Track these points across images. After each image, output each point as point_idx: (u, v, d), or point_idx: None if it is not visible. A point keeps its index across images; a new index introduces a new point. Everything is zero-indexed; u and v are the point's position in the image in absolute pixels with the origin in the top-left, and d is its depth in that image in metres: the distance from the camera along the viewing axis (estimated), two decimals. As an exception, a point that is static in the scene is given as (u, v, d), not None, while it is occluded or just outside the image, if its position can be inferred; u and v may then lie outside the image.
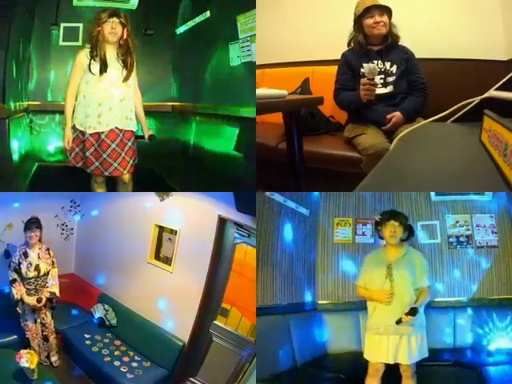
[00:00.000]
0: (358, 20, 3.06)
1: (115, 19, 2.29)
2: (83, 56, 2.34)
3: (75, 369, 2.69)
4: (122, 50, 2.38)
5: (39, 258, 2.57)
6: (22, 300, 2.51)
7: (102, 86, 2.35)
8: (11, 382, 2.10)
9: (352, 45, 3.20)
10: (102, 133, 2.39)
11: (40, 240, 2.63)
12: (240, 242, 2.55)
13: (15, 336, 2.58)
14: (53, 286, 2.60)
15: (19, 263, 2.52)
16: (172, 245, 2.83)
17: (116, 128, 2.41)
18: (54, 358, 2.65)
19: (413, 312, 1.96)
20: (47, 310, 2.62)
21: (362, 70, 3.01)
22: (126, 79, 2.40)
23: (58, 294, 2.62)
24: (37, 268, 2.55)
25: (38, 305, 2.52)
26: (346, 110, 3.29)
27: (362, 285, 2.14)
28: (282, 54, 4.19)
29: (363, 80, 2.84)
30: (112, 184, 2.67)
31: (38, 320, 2.57)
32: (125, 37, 2.36)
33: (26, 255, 2.54)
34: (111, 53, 2.36)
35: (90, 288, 3.15)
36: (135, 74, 2.49)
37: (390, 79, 3.04)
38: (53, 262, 2.66)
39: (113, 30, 2.29)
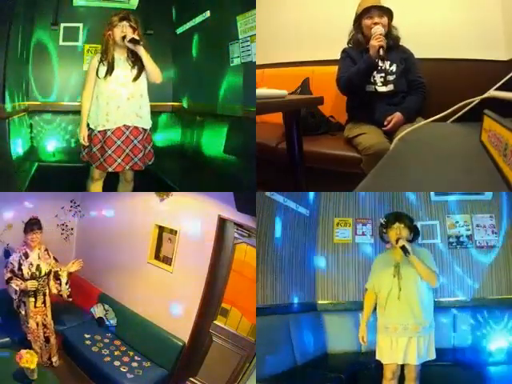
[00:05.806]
0: (358, 19, 3.06)
1: (125, 23, 2.40)
2: (95, 61, 2.45)
3: (75, 369, 2.69)
4: (133, 52, 2.46)
5: (39, 258, 2.58)
6: (23, 301, 2.50)
7: (109, 87, 2.44)
8: (11, 381, 2.09)
9: (352, 43, 3.19)
10: (109, 130, 2.47)
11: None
12: (240, 241, 2.55)
13: (15, 337, 2.58)
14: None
15: (20, 264, 2.52)
16: (172, 245, 2.83)
17: (123, 126, 2.48)
18: (54, 359, 2.65)
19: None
20: (47, 308, 2.62)
21: None
22: (135, 79, 2.47)
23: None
24: (38, 268, 2.55)
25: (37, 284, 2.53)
26: (352, 86, 3.09)
27: (371, 288, 2.15)
28: (282, 54, 4.19)
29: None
30: (111, 183, 2.68)
31: (40, 322, 2.57)
32: None
33: (26, 256, 2.54)
34: (121, 55, 2.45)
35: (90, 288, 3.15)
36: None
37: (391, 78, 3.04)
38: (55, 259, 2.66)
39: (123, 33, 2.39)
